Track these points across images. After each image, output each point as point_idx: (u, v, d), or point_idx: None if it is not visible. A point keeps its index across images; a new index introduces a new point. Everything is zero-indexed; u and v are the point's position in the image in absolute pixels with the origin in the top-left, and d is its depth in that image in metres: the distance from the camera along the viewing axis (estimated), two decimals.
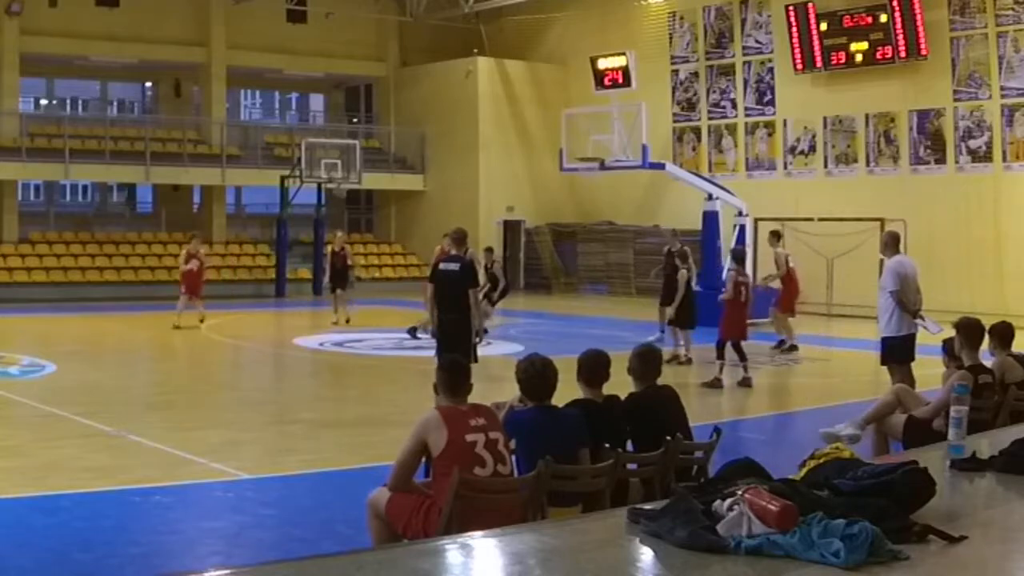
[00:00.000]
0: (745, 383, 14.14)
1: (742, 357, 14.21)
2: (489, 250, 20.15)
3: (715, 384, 13.92)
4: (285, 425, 11.78)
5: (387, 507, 5.54)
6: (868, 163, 26.35)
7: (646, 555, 3.70)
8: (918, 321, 11.27)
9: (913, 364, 11.16)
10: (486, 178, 31.95)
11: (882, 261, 12.32)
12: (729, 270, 15.41)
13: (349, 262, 22.28)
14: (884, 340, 11.38)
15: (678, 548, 3.60)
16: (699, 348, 16.10)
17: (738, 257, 15.43)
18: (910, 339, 11.25)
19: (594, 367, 6.38)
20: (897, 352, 11.21)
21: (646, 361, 6.62)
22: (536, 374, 5.92)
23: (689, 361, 16.06)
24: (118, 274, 28.52)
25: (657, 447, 5.98)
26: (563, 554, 3.78)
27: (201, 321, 20.49)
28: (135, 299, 25.61)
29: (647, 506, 4.05)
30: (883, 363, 11.52)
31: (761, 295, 22.27)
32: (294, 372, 17.43)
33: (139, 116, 34.65)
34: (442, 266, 11.35)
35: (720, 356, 14.24)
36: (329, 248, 23.06)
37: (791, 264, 18.53)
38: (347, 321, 21.34)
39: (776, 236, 18.92)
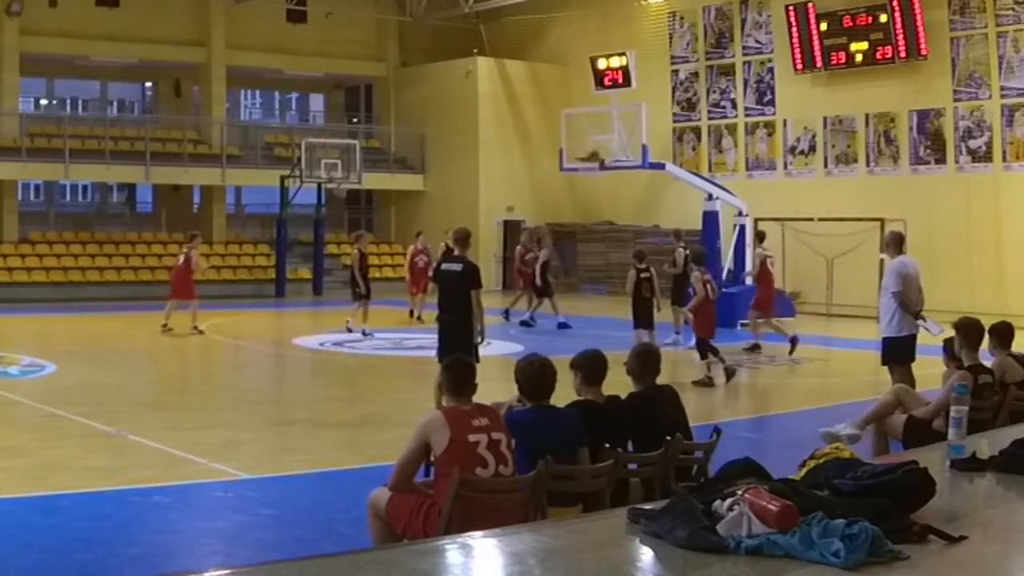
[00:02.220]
0: (729, 373, 14.16)
1: (713, 352, 14.28)
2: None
3: (706, 383, 13.91)
4: (285, 425, 11.78)
5: (387, 507, 5.54)
6: (868, 163, 26.33)
7: (646, 555, 3.70)
8: (920, 322, 11.26)
9: (913, 364, 11.17)
10: (486, 178, 31.92)
11: (883, 261, 12.32)
12: (694, 272, 15.29)
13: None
14: (885, 340, 11.38)
15: (678, 548, 3.60)
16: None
17: (698, 257, 15.37)
18: (911, 340, 11.25)
19: (590, 367, 6.38)
20: (898, 352, 11.21)
21: (644, 361, 6.61)
22: (534, 374, 5.92)
23: None
24: (118, 274, 28.50)
25: (657, 447, 5.98)
26: (563, 554, 3.78)
27: (168, 326, 19.35)
28: (135, 299, 25.58)
29: (647, 506, 4.05)
30: (884, 363, 11.52)
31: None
32: (294, 372, 17.42)
33: (139, 116, 34.62)
34: (444, 266, 11.35)
35: (703, 355, 14.25)
36: (357, 251, 20.17)
37: (770, 266, 18.32)
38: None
39: (759, 237, 18.77)
